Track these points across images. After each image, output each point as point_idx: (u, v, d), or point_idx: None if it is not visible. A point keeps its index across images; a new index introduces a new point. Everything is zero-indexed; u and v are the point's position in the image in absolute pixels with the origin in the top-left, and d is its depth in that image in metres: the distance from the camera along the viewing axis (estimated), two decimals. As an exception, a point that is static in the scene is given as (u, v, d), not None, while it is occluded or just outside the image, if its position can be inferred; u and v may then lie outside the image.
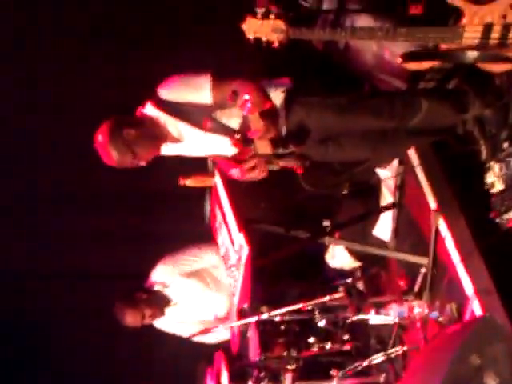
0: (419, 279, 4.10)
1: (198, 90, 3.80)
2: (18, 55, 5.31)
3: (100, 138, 3.82)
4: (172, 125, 3.89)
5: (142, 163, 3.91)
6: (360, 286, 4.86)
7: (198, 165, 4.72)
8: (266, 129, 3.66)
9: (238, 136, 3.76)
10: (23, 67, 5.33)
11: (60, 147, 5.53)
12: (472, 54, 3.49)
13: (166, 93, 3.85)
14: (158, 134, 3.89)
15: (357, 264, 4.93)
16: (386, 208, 4.57)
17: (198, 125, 3.84)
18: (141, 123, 3.88)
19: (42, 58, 5.32)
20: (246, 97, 3.52)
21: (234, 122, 3.85)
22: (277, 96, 3.82)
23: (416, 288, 4.11)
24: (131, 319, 4.84)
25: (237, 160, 4.01)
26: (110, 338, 5.81)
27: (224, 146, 3.91)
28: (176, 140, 3.95)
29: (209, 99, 3.78)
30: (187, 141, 3.97)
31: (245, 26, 3.42)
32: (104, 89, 5.36)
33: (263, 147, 3.76)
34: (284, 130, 3.77)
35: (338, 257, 4.92)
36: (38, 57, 5.32)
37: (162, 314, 4.98)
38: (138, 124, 3.87)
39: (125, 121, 3.89)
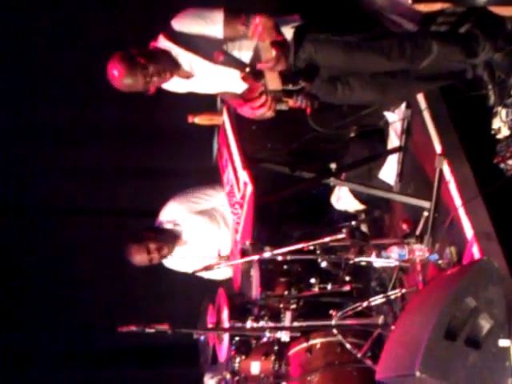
0: (421, 222, 4.11)
1: (210, 23, 3.82)
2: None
3: (113, 60, 3.85)
4: (183, 57, 3.89)
5: (152, 89, 3.92)
6: (363, 228, 4.88)
7: (207, 103, 4.73)
8: (276, 59, 3.64)
9: (248, 69, 3.75)
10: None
11: (71, 83, 5.54)
12: (484, -3, 3.46)
13: (179, 25, 3.86)
14: (170, 65, 3.90)
15: (361, 207, 4.93)
16: (392, 151, 4.56)
17: (209, 57, 3.84)
18: (153, 54, 3.89)
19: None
20: (258, 20, 3.51)
21: (245, 56, 3.85)
22: (286, 31, 3.81)
23: (418, 231, 4.11)
24: (137, 255, 4.84)
25: (246, 98, 4.00)
26: (120, 276, 5.87)
27: (234, 81, 3.90)
28: (187, 74, 3.95)
29: (221, 33, 3.79)
30: (198, 75, 3.97)
31: None
32: (115, 26, 5.35)
33: (273, 82, 3.74)
34: (293, 66, 3.75)
35: (343, 199, 4.92)
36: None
37: (171, 251, 5.01)
38: (151, 54, 3.88)
39: (138, 51, 3.90)
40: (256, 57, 3.77)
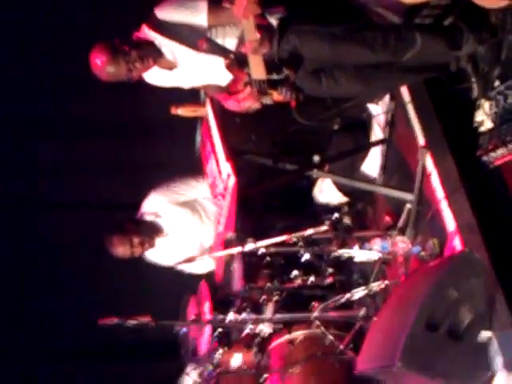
0: (404, 215, 4.12)
1: (194, 11, 3.82)
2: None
3: (96, 49, 3.84)
4: (166, 47, 3.87)
5: (135, 76, 3.90)
6: (346, 220, 4.88)
7: (190, 94, 4.70)
8: (260, 41, 3.61)
9: (232, 56, 3.74)
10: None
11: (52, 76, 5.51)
12: (468, -12, 3.45)
13: (162, 13, 3.85)
14: (153, 53, 3.87)
15: (344, 199, 4.93)
16: (376, 144, 4.56)
17: (193, 45, 3.83)
18: (136, 42, 3.88)
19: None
20: None
21: (230, 43, 3.83)
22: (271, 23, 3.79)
23: (400, 223, 4.12)
24: (120, 247, 4.82)
25: (231, 90, 3.99)
26: (100, 270, 5.84)
27: (218, 71, 3.88)
28: (170, 65, 3.93)
29: (204, 21, 3.78)
30: (182, 65, 3.95)
31: None
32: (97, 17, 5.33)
33: (258, 71, 3.72)
34: (277, 57, 3.73)
35: (326, 191, 4.92)
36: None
37: (153, 244, 4.99)
38: (134, 42, 3.87)
39: (120, 39, 3.88)
40: (240, 45, 3.75)
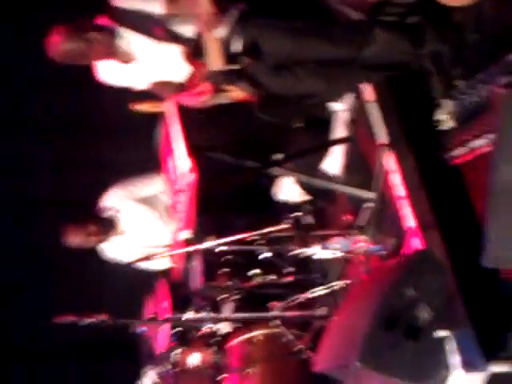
0: (365, 214, 4.10)
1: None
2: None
3: (55, 29, 3.79)
4: (123, 37, 3.81)
5: (90, 57, 3.86)
6: (307, 219, 4.85)
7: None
8: (214, 15, 3.55)
9: (189, 45, 3.69)
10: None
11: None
12: (431, -14, 3.45)
13: (119, 2, 3.81)
14: (109, 41, 3.82)
15: (305, 197, 4.92)
16: (337, 142, 4.54)
17: (150, 33, 3.77)
18: (95, 26, 3.84)
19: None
20: None
21: (187, 32, 3.77)
22: (230, 15, 3.75)
23: (361, 222, 4.10)
24: (75, 236, 4.86)
25: (189, 84, 3.94)
26: (58, 268, 5.81)
27: (176, 63, 3.82)
28: (126, 57, 3.86)
29: (161, 9, 3.74)
30: (139, 57, 3.88)
31: None
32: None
33: (215, 62, 3.67)
34: (236, 49, 3.69)
35: (287, 190, 4.91)
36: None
37: (108, 237, 4.97)
38: (93, 25, 3.83)
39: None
40: (198, 34, 3.70)
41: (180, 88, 4.02)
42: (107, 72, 3.98)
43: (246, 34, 3.69)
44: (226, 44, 3.64)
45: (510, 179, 2.72)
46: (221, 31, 3.60)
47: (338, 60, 3.86)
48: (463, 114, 3.62)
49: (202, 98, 3.87)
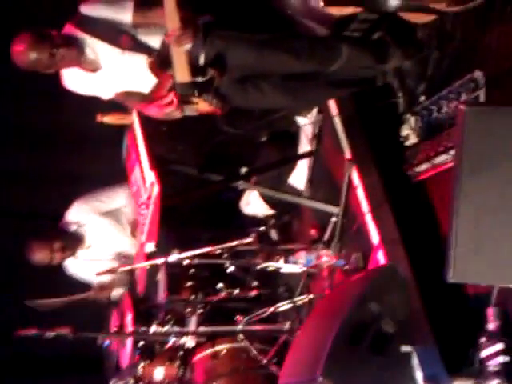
0: (329, 228, 4.11)
1: (119, 8, 3.73)
2: None
3: (20, 35, 3.71)
4: (89, 46, 3.77)
5: (56, 66, 3.79)
6: (272, 233, 4.86)
7: (117, 102, 4.63)
8: (183, 32, 3.54)
9: (155, 56, 3.67)
10: None
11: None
12: (394, 3, 3.47)
13: (87, 10, 3.76)
14: (75, 55, 3.79)
15: (270, 212, 4.93)
16: (303, 156, 4.55)
17: (116, 43, 3.74)
18: (60, 35, 3.77)
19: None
20: None
21: (154, 43, 3.76)
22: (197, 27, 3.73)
23: (326, 237, 4.12)
24: (39, 253, 4.78)
25: (154, 96, 3.92)
26: (21, 282, 5.70)
27: (142, 74, 3.80)
28: (93, 66, 3.83)
29: (129, 19, 3.70)
30: (105, 67, 3.85)
31: None
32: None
33: (182, 74, 3.65)
34: (202, 60, 3.68)
35: (252, 204, 4.90)
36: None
37: (74, 253, 4.92)
38: (58, 34, 3.77)
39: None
40: (164, 43, 3.68)
41: (145, 99, 3.99)
42: (73, 80, 3.94)
43: (212, 46, 3.68)
44: (192, 56, 3.62)
45: (471, 194, 2.75)
46: (187, 43, 3.58)
47: (303, 74, 3.86)
48: (427, 130, 3.66)
49: (167, 110, 3.84)
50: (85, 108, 4.69)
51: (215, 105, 3.82)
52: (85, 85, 3.92)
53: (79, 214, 4.98)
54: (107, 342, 4.66)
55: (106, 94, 4.02)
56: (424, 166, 3.61)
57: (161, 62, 3.67)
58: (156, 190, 3.86)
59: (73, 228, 4.93)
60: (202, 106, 3.84)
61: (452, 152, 3.31)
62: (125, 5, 3.71)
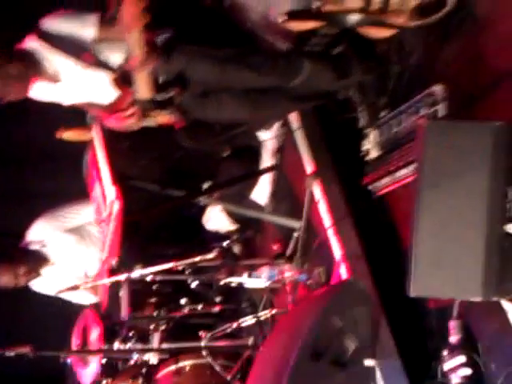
0: (292, 243, 4.11)
1: (82, 24, 3.68)
2: None
3: None
4: (49, 60, 3.71)
5: (9, 95, 3.71)
6: (235, 248, 4.84)
7: (77, 118, 4.58)
8: (146, 56, 3.52)
9: (118, 72, 3.64)
10: None
11: None
12: (354, 18, 3.48)
13: (49, 24, 3.70)
14: (30, 70, 3.73)
15: (233, 227, 4.91)
16: (265, 171, 4.55)
17: (78, 58, 3.69)
18: (14, 54, 3.69)
19: None
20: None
21: (116, 59, 3.73)
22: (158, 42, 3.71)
23: (288, 252, 4.11)
24: (4, 277, 4.70)
25: (115, 109, 3.89)
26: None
27: (103, 88, 3.76)
28: (51, 79, 3.78)
29: (92, 34, 3.65)
30: (64, 80, 3.81)
31: None
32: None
33: (143, 90, 3.63)
34: (164, 76, 3.66)
35: (215, 219, 4.88)
36: None
37: (38, 274, 4.86)
38: (11, 54, 3.68)
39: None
40: (127, 60, 3.65)
41: (106, 110, 3.96)
42: (37, 89, 3.89)
43: (175, 62, 3.67)
44: (154, 74, 3.61)
45: (432, 208, 2.76)
46: (151, 66, 3.58)
47: (264, 89, 3.86)
48: (388, 144, 3.67)
49: (128, 122, 3.81)
50: (45, 124, 4.66)
51: (177, 118, 3.82)
52: (46, 93, 3.87)
53: (42, 232, 4.92)
54: (69, 360, 4.62)
55: (67, 102, 3.98)
56: (385, 181, 3.61)
57: (123, 78, 3.65)
58: (117, 206, 3.84)
59: (36, 247, 4.87)
60: (162, 118, 3.82)
61: (412, 166, 3.32)
62: (88, 20, 3.67)
